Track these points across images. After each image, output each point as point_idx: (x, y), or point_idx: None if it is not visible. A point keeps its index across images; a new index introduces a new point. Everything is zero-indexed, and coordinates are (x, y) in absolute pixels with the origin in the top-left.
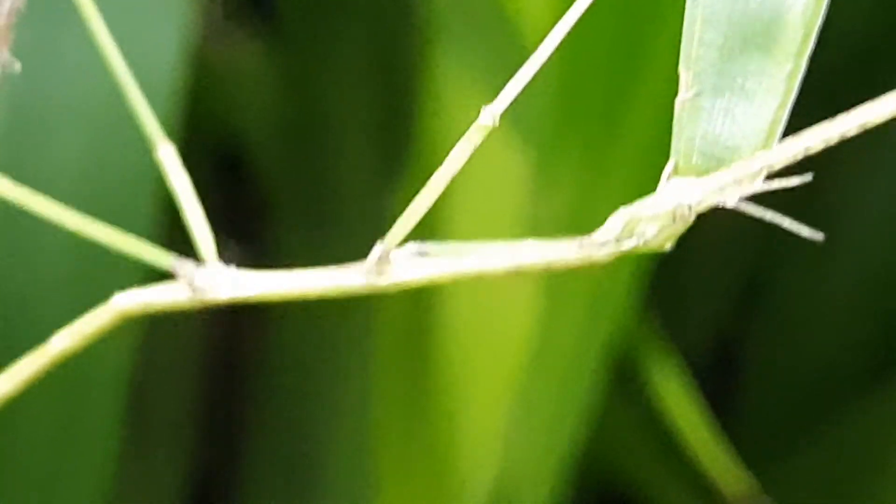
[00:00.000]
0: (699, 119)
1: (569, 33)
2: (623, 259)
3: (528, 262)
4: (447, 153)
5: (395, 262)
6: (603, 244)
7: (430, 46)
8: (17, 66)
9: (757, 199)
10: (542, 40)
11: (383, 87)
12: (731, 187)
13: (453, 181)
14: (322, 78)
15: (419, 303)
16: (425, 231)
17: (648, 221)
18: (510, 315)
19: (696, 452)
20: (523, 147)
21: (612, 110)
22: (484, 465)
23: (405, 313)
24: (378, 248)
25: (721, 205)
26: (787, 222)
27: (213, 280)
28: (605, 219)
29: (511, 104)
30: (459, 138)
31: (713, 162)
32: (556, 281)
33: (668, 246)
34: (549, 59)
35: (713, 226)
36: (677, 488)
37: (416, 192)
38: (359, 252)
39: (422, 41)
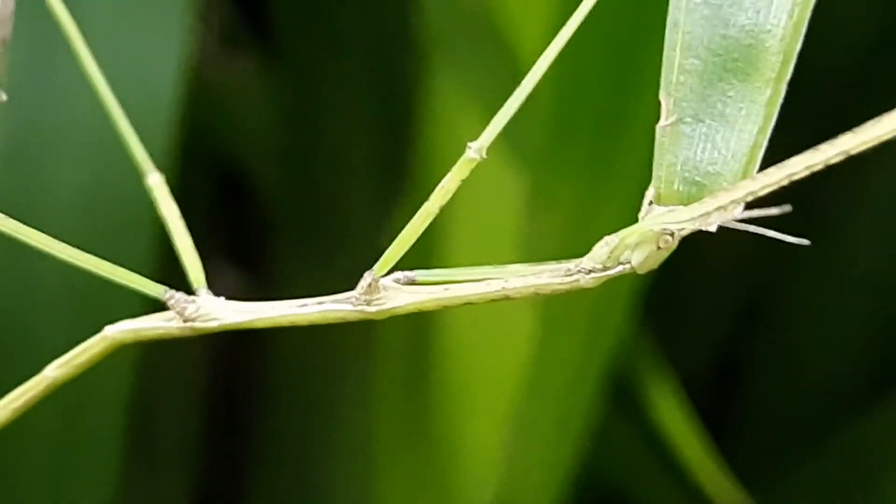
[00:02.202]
0: (680, 145)
1: (563, 57)
2: (620, 279)
3: (515, 288)
4: (444, 173)
5: (384, 290)
6: (590, 271)
7: (428, 69)
8: (4, 97)
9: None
10: (535, 63)
11: (382, 108)
12: (714, 213)
13: (451, 204)
14: (320, 100)
15: (418, 323)
16: (423, 254)
17: (633, 248)
18: (509, 334)
19: (693, 469)
20: (520, 170)
21: (608, 132)
22: (485, 482)
23: (405, 332)
24: (367, 277)
25: (704, 229)
26: (770, 233)
27: (202, 310)
28: (600, 238)
29: (507, 128)
30: (456, 158)
31: (695, 188)
32: (554, 301)
33: (655, 266)
34: (544, 82)
35: (712, 246)
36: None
37: (416, 212)
38: (359, 273)
39: (420, 64)
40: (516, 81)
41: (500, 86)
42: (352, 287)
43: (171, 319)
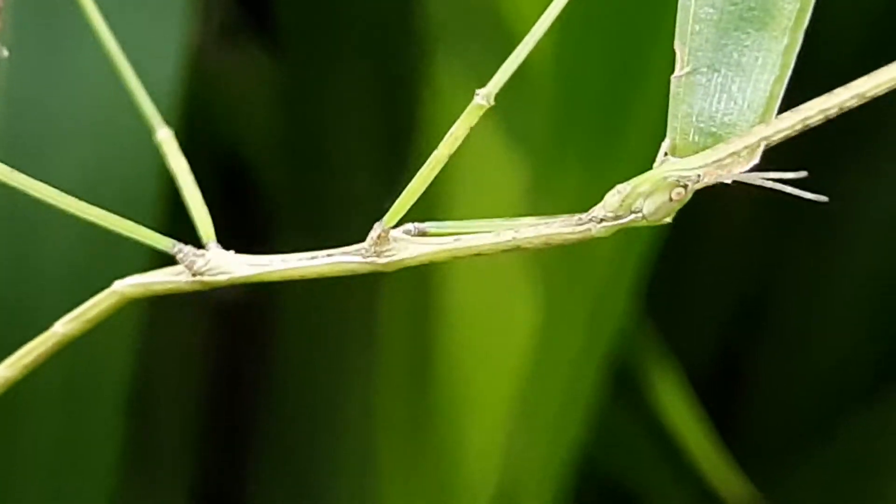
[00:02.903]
0: (695, 96)
1: (565, 46)
2: (622, 268)
3: (526, 238)
4: (447, 163)
5: (394, 242)
6: (601, 220)
7: (430, 59)
8: (4, 53)
9: (761, 205)
10: (541, 49)
11: (384, 97)
12: (729, 164)
13: (451, 194)
14: (322, 92)
15: (421, 313)
16: None
17: (645, 197)
18: (511, 323)
19: (696, 458)
20: (521, 160)
21: (609, 122)
22: (487, 471)
23: (407, 322)
24: (377, 228)
25: (719, 181)
26: (788, 190)
27: (211, 263)
28: None
29: (508, 118)
30: (459, 148)
31: (711, 139)
32: (556, 290)
33: (668, 219)
34: (545, 71)
35: (715, 236)
36: (678, 494)
37: (418, 203)
38: None
39: (422, 54)
40: (521, 73)
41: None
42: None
43: (179, 273)
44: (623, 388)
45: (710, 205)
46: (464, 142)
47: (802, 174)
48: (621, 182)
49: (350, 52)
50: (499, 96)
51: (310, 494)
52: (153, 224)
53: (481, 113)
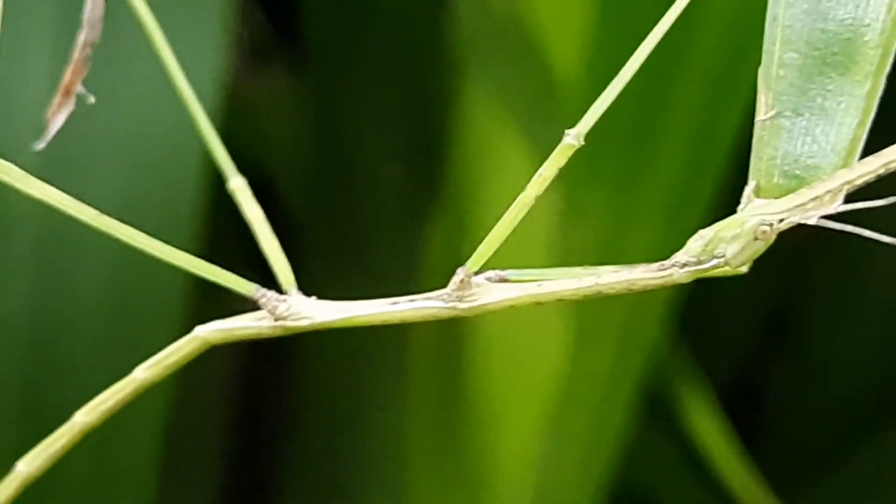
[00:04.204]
0: (780, 139)
1: (595, 65)
2: (653, 292)
3: (608, 283)
4: (477, 185)
5: (476, 287)
6: (683, 265)
7: (459, 78)
8: (92, 99)
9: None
10: (569, 73)
11: (413, 119)
12: (813, 206)
13: (484, 215)
14: (351, 112)
15: (451, 336)
16: (457, 265)
17: (729, 241)
18: (542, 348)
19: (726, 478)
20: (552, 183)
21: (640, 145)
22: (519, 494)
23: (437, 345)
24: (460, 273)
25: (803, 222)
26: (866, 233)
27: (293, 308)
28: (633, 248)
29: (539, 141)
30: (489, 169)
31: (794, 182)
32: (587, 314)
33: (745, 268)
34: (576, 91)
35: None
36: None
37: (448, 224)
38: (388, 285)
39: (451, 73)
40: (548, 91)
41: (533, 94)
42: (382, 297)
43: (261, 318)
44: (654, 409)
45: None
46: (494, 164)
47: (892, 200)
48: (651, 203)
49: (378, 71)
50: (530, 118)
51: None
52: (194, 251)
53: (571, 153)
